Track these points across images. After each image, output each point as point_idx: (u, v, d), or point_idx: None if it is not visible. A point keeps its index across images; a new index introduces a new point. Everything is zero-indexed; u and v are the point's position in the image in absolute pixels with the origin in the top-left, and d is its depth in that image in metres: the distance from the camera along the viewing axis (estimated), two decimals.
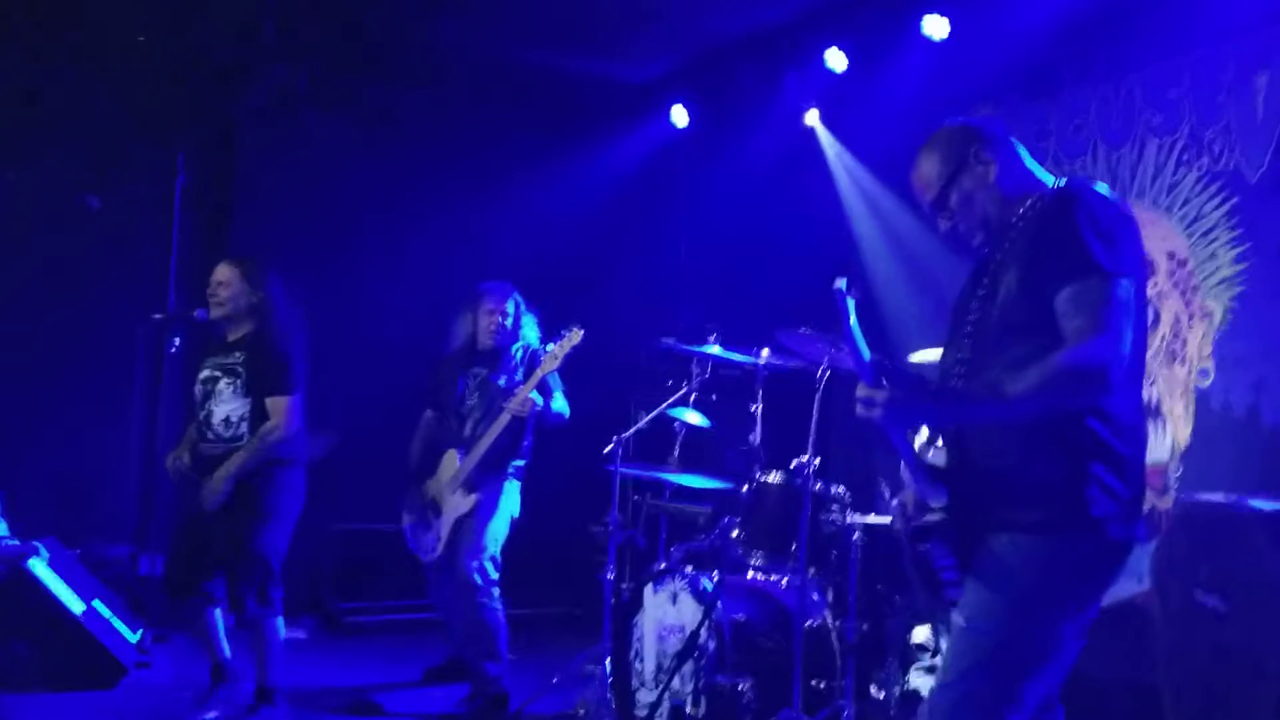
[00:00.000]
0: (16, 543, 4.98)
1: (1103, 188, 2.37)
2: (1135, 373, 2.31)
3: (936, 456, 2.38)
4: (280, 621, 4.31)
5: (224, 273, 4.35)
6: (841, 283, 2.27)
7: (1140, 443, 2.34)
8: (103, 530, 6.13)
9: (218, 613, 4.33)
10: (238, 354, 4.30)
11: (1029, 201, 2.42)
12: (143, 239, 6.41)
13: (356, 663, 5.68)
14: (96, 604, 5.03)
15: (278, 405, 4.20)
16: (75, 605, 4.86)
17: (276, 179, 6.68)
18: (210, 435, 4.28)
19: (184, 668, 5.23)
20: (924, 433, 2.46)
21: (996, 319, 2.34)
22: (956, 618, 2.31)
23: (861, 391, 2.24)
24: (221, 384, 4.27)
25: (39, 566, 4.86)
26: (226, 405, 4.26)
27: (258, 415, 4.22)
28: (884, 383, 2.24)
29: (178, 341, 5.83)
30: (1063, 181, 2.44)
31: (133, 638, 5.15)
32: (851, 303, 2.25)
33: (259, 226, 6.65)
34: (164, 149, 6.41)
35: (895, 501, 2.57)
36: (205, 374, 4.33)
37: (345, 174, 6.83)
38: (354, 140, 6.87)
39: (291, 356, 4.26)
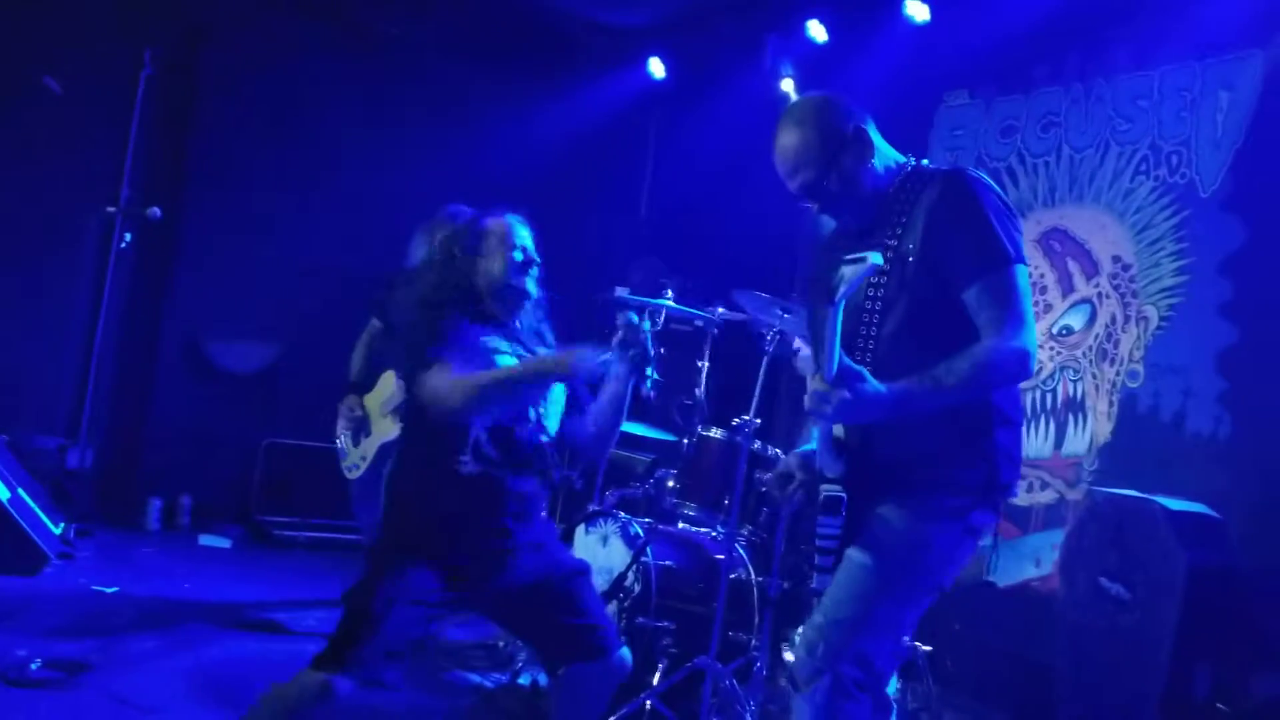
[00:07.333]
0: None
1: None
2: None
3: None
4: None
5: None
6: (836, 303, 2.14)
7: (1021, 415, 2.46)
8: (34, 421, 6.06)
9: None
10: None
11: (902, 177, 2.42)
12: (102, 130, 6.28)
13: (277, 577, 5.67)
14: (21, 492, 4.99)
15: None
16: (0, 491, 4.82)
17: (243, 85, 6.56)
18: None
19: (106, 561, 5.23)
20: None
21: (904, 302, 2.32)
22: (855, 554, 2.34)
23: (818, 386, 2.14)
24: None
25: None
26: None
27: None
28: (842, 383, 2.14)
29: (128, 237, 5.76)
30: (925, 162, 2.45)
31: (55, 529, 5.12)
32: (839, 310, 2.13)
33: (219, 130, 6.54)
34: (132, 41, 6.27)
35: (778, 469, 2.58)
36: None
37: (313, 88, 6.72)
38: (326, 55, 6.77)
39: None
